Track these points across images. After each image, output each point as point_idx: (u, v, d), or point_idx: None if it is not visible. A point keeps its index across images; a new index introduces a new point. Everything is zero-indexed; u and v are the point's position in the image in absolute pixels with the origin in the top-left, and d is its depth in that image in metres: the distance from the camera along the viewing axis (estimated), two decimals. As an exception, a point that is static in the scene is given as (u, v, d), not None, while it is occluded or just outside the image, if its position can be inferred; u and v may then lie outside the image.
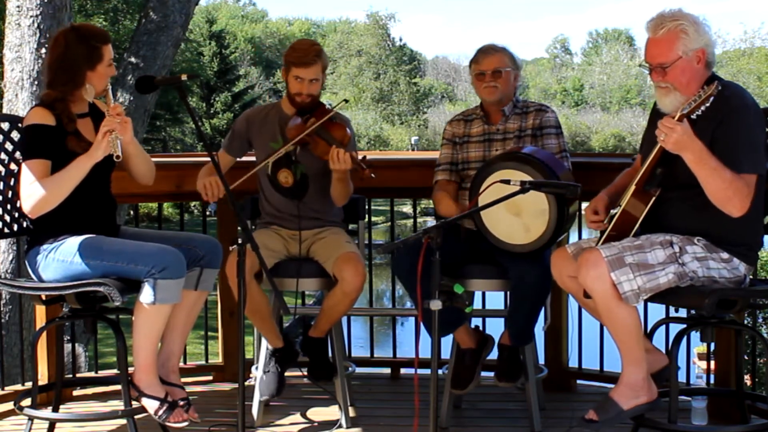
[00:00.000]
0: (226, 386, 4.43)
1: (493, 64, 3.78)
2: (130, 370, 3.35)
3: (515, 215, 3.51)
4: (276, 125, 3.89)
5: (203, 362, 4.67)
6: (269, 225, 3.96)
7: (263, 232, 3.90)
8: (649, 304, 3.31)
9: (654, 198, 3.10)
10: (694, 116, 3.00)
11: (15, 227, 3.56)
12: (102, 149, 3.19)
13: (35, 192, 3.17)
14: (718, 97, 3.01)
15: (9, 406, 3.89)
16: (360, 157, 3.62)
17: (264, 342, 3.85)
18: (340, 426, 3.78)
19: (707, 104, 3.00)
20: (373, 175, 3.57)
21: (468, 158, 3.87)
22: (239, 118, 4.02)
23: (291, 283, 3.80)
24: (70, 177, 3.19)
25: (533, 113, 3.82)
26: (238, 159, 4.00)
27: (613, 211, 3.19)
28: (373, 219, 5.62)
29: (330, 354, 3.87)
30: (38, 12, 7.98)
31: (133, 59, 9.52)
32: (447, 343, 3.77)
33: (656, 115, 3.19)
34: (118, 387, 3.43)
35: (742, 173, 2.97)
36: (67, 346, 5.11)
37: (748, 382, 5.17)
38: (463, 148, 3.90)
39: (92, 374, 4.79)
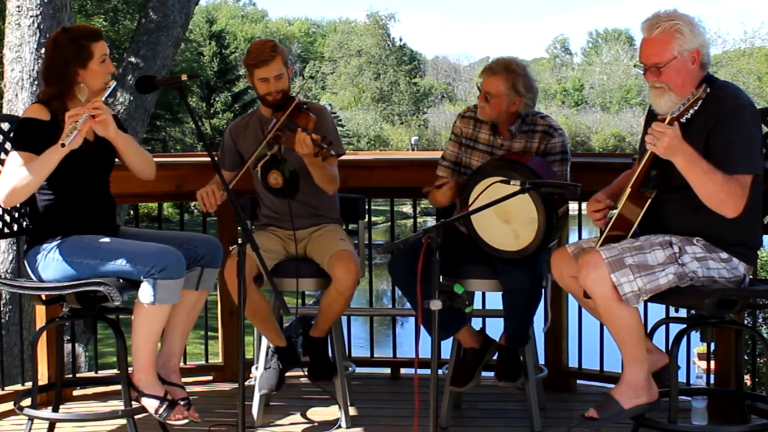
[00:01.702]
0: (226, 386, 4.43)
1: (486, 86, 3.67)
2: (130, 370, 3.35)
3: (505, 222, 3.51)
4: (258, 130, 3.88)
5: (203, 362, 4.67)
6: (267, 226, 3.96)
7: (261, 234, 3.90)
8: (649, 304, 3.31)
9: (649, 201, 3.09)
10: (683, 120, 2.98)
11: (15, 227, 3.56)
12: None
13: (7, 182, 3.16)
14: (712, 97, 2.99)
15: (9, 406, 3.88)
16: (321, 137, 3.58)
17: (264, 340, 3.85)
18: (340, 426, 3.78)
19: (696, 107, 2.98)
20: (332, 152, 3.56)
21: (470, 164, 3.81)
22: (225, 133, 4.03)
23: (290, 283, 3.80)
24: (42, 166, 3.15)
25: (539, 135, 3.69)
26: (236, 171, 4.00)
27: (610, 213, 3.18)
28: (373, 219, 5.62)
29: (330, 354, 3.87)
30: (38, 12, 7.99)
31: (133, 59, 9.51)
32: (447, 343, 3.77)
33: (651, 116, 3.18)
34: (118, 387, 3.43)
35: (738, 174, 2.95)
36: (67, 346, 5.11)
37: (748, 382, 5.17)
38: (467, 151, 3.84)
39: (92, 374, 4.78)
